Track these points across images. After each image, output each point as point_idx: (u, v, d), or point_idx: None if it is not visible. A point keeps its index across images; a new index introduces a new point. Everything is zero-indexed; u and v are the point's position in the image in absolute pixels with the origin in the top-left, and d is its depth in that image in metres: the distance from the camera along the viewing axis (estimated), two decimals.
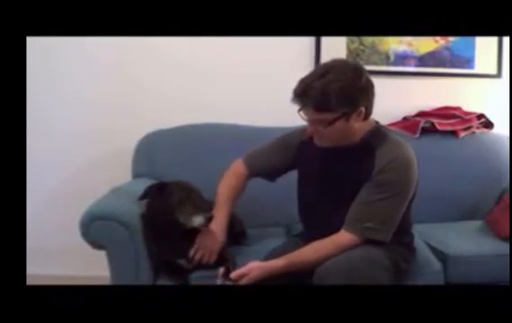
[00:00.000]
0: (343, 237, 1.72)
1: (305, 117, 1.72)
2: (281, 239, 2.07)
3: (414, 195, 1.81)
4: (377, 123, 1.82)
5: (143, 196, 1.88)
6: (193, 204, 1.82)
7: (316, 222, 1.81)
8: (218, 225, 1.89)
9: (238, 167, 2.02)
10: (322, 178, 1.82)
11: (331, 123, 1.67)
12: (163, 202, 1.83)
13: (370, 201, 1.71)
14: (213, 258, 1.84)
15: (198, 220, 1.80)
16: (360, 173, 1.72)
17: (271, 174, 2.00)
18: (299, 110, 1.70)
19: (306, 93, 1.66)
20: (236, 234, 2.11)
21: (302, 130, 1.88)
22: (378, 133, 1.78)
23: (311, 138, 1.80)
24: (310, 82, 1.66)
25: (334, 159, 1.77)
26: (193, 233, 1.85)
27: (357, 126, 1.72)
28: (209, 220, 1.81)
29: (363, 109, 1.69)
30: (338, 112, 1.66)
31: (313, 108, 1.66)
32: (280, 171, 1.99)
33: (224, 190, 1.98)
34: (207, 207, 1.85)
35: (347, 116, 1.67)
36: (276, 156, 1.97)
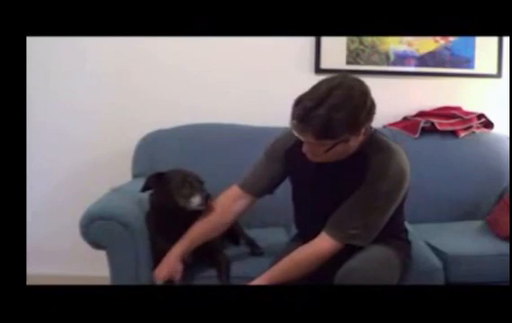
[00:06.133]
0: (324, 244, 1.68)
1: (301, 138, 1.61)
2: (281, 239, 2.07)
3: (406, 193, 1.76)
4: (372, 129, 1.73)
5: (144, 188, 1.89)
6: (190, 185, 1.83)
7: (312, 231, 1.75)
8: (170, 266, 1.81)
9: (232, 193, 1.89)
10: (315, 189, 1.77)
11: (330, 148, 1.59)
12: (164, 189, 1.85)
13: (358, 208, 1.67)
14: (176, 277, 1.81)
15: (195, 201, 1.81)
16: (354, 183, 1.67)
17: (268, 189, 1.89)
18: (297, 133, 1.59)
19: (308, 120, 1.54)
20: (246, 245, 2.13)
21: (285, 137, 1.81)
22: (373, 141, 1.71)
23: (298, 145, 1.68)
24: (312, 108, 1.53)
25: (328, 170, 1.69)
26: (194, 217, 1.85)
27: (355, 143, 1.65)
28: (207, 199, 1.81)
29: (364, 129, 1.63)
30: (339, 139, 1.58)
31: (313, 136, 1.56)
32: (276, 183, 1.89)
33: (201, 224, 1.85)
34: (204, 188, 1.86)
35: (348, 140, 1.60)
36: (267, 171, 1.87)
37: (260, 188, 1.88)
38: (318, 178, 1.74)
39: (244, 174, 1.90)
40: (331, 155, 1.63)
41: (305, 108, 1.54)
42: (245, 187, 1.88)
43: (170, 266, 1.80)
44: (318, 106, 1.53)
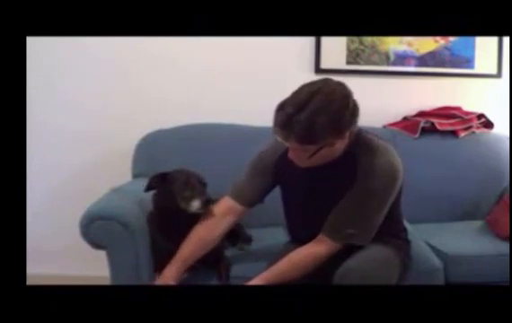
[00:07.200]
0: (322, 245, 1.69)
1: (286, 145, 1.62)
2: (281, 239, 2.06)
3: (401, 190, 1.76)
4: (357, 129, 1.70)
5: (147, 188, 1.89)
6: (192, 187, 1.83)
7: (305, 236, 1.75)
8: (170, 277, 1.78)
9: (224, 204, 1.88)
10: (305, 194, 1.77)
11: (315, 153, 1.60)
12: (167, 190, 1.85)
13: (352, 208, 1.67)
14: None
15: (195, 204, 1.80)
16: (345, 184, 1.67)
17: (259, 199, 1.89)
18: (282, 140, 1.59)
19: (289, 127, 1.54)
20: (241, 241, 2.15)
21: (274, 147, 1.81)
22: (360, 140, 1.70)
23: (286, 153, 1.68)
24: (293, 114, 1.53)
25: (317, 174, 1.70)
26: (195, 220, 1.85)
27: (341, 146, 1.65)
28: (207, 203, 1.81)
29: (348, 132, 1.62)
30: (322, 143, 1.58)
31: (296, 142, 1.56)
32: (265, 193, 1.88)
33: (190, 242, 1.82)
34: (205, 191, 1.85)
35: (332, 144, 1.60)
36: (256, 181, 1.86)
37: (249, 199, 1.88)
38: (308, 183, 1.74)
39: (234, 183, 1.90)
40: (317, 159, 1.63)
41: (287, 114, 1.54)
42: (235, 196, 1.88)
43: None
44: (299, 111, 1.53)
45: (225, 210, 1.87)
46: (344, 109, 1.57)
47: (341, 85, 1.62)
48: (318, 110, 1.53)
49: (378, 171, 1.65)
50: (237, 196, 1.87)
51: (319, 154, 1.61)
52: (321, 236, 1.70)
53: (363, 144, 1.70)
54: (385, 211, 1.71)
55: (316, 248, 1.70)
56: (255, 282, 1.69)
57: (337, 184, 1.69)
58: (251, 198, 1.88)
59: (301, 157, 1.64)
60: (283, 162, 1.77)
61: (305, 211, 1.79)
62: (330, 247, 1.68)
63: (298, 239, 1.82)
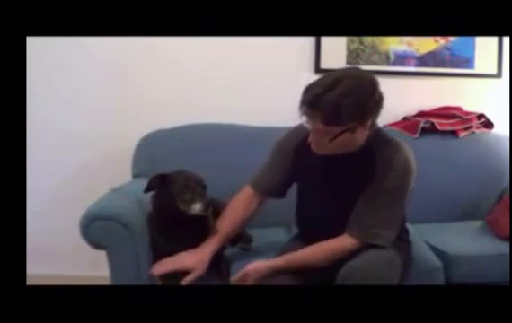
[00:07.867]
0: (346, 242, 1.69)
1: (309, 127, 1.65)
2: (281, 238, 2.06)
3: (411, 190, 1.77)
4: (377, 126, 1.76)
5: (147, 189, 1.88)
6: (192, 190, 1.82)
7: (316, 229, 1.76)
8: (201, 257, 1.82)
9: (246, 192, 1.93)
10: (322, 185, 1.78)
11: (336, 136, 1.62)
12: (166, 191, 1.84)
13: (374, 206, 1.68)
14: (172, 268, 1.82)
15: (196, 207, 1.80)
16: (362, 179, 1.69)
17: (280, 190, 1.92)
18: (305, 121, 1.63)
19: (316, 105, 1.58)
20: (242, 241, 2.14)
21: (294, 133, 1.84)
22: (379, 136, 1.73)
23: (306, 141, 1.71)
24: (321, 94, 1.57)
25: (334, 166, 1.72)
26: (194, 222, 1.85)
27: (361, 136, 1.68)
28: (207, 206, 1.81)
29: (370, 122, 1.65)
30: (346, 126, 1.60)
31: (322, 121, 1.59)
32: (287, 183, 1.91)
33: (224, 220, 1.90)
34: (205, 194, 1.85)
35: (354, 129, 1.63)
36: (275, 169, 1.90)
37: (268, 188, 1.91)
38: (325, 172, 1.76)
39: (256, 173, 1.94)
40: (336, 146, 1.65)
41: (315, 94, 1.58)
42: (256, 185, 1.92)
43: (201, 259, 1.81)
44: (327, 92, 1.57)
45: (245, 199, 1.91)
46: (370, 96, 1.61)
47: (369, 74, 1.67)
48: (346, 92, 1.57)
49: (394, 166, 1.68)
50: (256, 185, 1.91)
51: (339, 141, 1.63)
52: (346, 235, 1.70)
53: (381, 141, 1.73)
54: (403, 210, 1.74)
55: (340, 243, 1.70)
56: (274, 262, 1.71)
57: (353, 177, 1.71)
58: (270, 188, 1.91)
59: (321, 142, 1.66)
60: (302, 149, 1.78)
61: (319, 201, 1.79)
62: (353, 244, 1.69)
63: (306, 231, 1.83)
